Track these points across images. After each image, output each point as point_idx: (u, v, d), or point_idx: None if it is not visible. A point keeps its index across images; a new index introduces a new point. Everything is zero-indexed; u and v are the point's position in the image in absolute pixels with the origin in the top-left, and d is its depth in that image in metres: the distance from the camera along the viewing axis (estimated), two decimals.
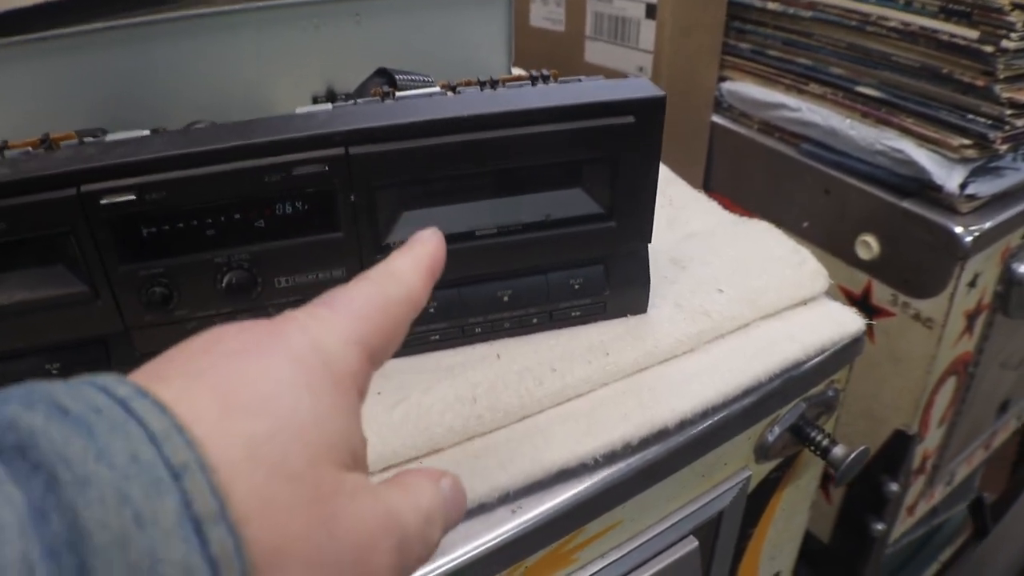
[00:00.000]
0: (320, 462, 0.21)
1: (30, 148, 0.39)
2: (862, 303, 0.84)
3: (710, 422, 0.45)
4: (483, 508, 0.40)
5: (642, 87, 0.43)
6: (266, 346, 0.22)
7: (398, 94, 0.44)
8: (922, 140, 0.76)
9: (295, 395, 0.21)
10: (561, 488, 0.41)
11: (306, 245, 0.41)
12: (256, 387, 0.21)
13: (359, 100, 0.44)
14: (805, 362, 0.48)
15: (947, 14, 0.73)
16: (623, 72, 0.87)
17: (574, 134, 0.41)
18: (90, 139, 0.40)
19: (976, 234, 0.74)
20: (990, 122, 0.72)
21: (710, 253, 0.53)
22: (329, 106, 0.42)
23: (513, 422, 0.43)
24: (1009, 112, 0.71)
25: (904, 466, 0.87)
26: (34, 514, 0.16)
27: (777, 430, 0.52)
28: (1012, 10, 0.68)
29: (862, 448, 0.52)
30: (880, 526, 0.91)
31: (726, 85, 0.93)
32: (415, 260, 0.29)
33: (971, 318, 0.83)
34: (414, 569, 0.24)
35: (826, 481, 0.74)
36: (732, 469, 0.52)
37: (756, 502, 0.57)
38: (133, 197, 0.36)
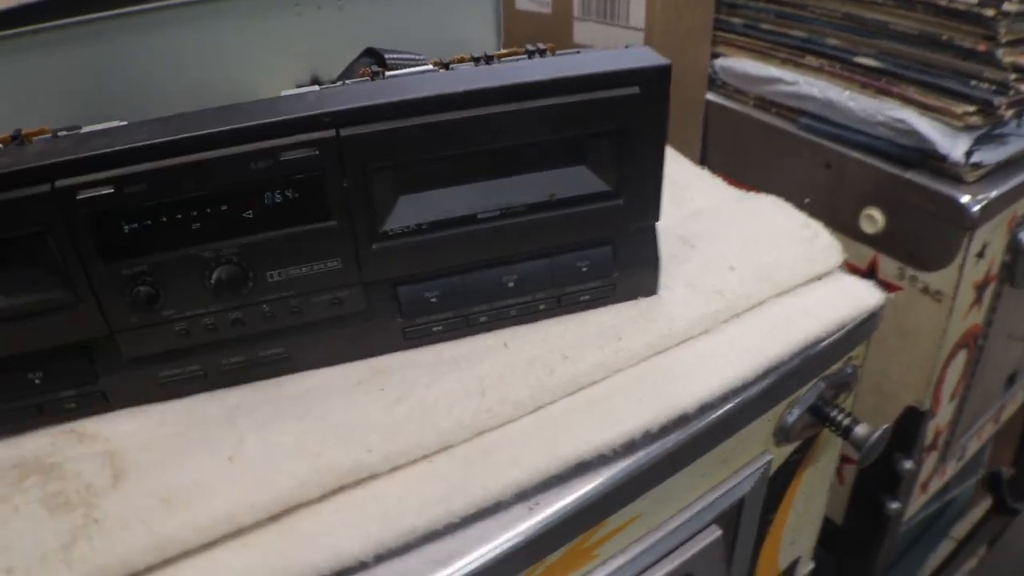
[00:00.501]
0: None
1: (1, 145, 0.37)
2: (868, 278, 0.82)
3: (730, 405, 0.43)
4: (498, 506, 0.37)
5: (645, 56, 0.41)
6: None
7: (388, 73, 0.41)
8: (924, 109, 0.74)
9: None
10: (579, 482, 0.39)
11: (298, 236, 0.38)
12: None
13: (347, 81, 0.42)
14: (824, 339, 0.47)
15: None
16: None
17: (577, 107, 0.39)
18: (64, 133, 0.37)
19: (983, 203, 0.72)
20: (994, 88, 0.70)
21: (719, 230, 0.51)
22: (316, 87, 0.40)
23: (525, 414, 0.41)
24: (1013, 77, 0.69)
25: (918, 443, 0.86)
26: None
27: (797, 411, 0.50)
28: None
29: (885, 427, 0.50)
30: (895, 505, 0.90)
31: (719, 61, 0.90)
32: None
33: (980, 289, 0.81)
34: None
35: (840, 462, 0.72)
36: (753, 453, 0.50)
37: (777, 486, 0.55)
38: (111, 190, 0.34)
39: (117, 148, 0.33)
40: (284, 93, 0.39)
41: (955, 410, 0.91)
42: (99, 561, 0.33)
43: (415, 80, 0.39)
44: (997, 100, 0.70)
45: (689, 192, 0.57)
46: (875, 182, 0.79)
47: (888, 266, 0.81)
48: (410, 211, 0.40)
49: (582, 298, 0.45)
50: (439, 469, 0.38)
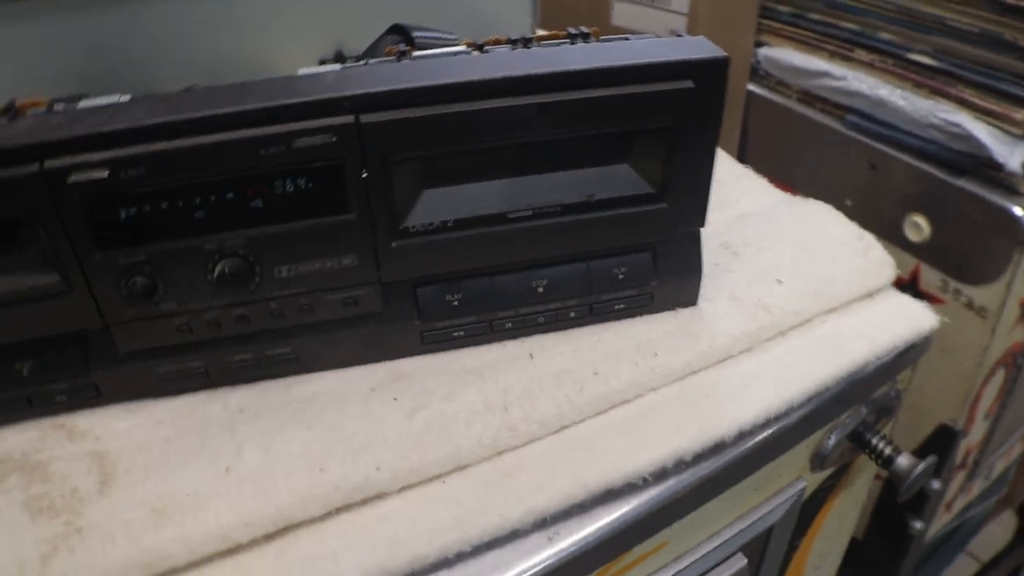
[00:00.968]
0: None
1: None
2: (909, 289, 0.78)
3: (769, 432, 0.40)
4: (516, 534, 0.34)
5: (701, 46, 0.37)
6: None
7: (416, 53, 0.38)
8: (981, 113, 0.70)
9: None
10: (603, 510, 0.36)
11: (311, 229, 0.35)
12: None
13: (371, 60, 0.38)
14: (875, 363, 0.43)
15: None
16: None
17: (624, 100, 0.35)
18: (61, 106, 0.34)
19: None
20: None
21: (766, 238, 0.48)
22: (337, 67, 0.36)
23: (550, 433, 0.37)
24: None
25: (948, 463, 0.82)
26: None
27: (835, 437, 0.47)
28: None
29: (930, 458, 0.47)
30: (919, 524, 0.86)
31: (763, 51, 0.86)
32: None
33: None
34: None
35: None
36: (786, 480, 0.46)
37: (807, 513, 0.51)
38: (106, 174, 0.31)
39: (114, 128, 0.30)
40: (302, 71, 0.35)
41: (988, 429, 0.87)
42: None
43: (446, 63, 0.35)
44: None
45: (734, 193, 0.53)
46: (923, 187, 0.75)
47: (931, 277, 0.77)
48: (434, 207, 0.36)
49: (617, 307, 0.42)
50: (454, 491, 0.35)
